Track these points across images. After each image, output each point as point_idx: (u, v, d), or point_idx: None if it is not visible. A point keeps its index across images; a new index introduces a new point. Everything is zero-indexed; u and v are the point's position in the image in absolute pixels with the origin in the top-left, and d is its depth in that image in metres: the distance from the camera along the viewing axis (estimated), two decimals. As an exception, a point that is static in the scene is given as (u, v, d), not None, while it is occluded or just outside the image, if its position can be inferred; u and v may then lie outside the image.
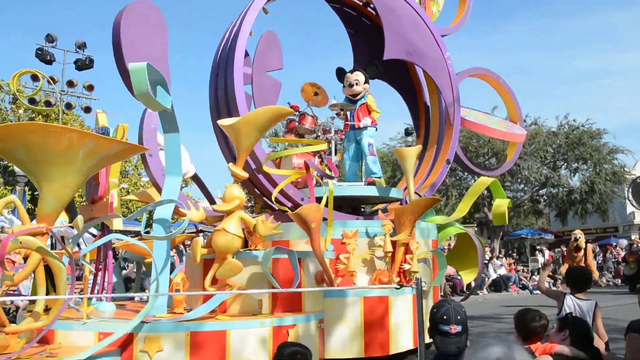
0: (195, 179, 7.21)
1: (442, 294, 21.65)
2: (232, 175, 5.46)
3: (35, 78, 19.61)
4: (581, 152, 28.87)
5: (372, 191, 6.95)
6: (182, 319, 4.80)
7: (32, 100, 19.97)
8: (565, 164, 30.23)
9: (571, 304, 4.99)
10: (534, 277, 23.80)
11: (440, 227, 7.95)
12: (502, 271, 23.10)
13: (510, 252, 29.49)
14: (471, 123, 8.79)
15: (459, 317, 2.89)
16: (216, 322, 4.82)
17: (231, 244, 5.23)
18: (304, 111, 7.38)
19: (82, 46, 20.56)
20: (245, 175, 5.49)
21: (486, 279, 22.57)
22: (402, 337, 5.97)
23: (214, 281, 5.36)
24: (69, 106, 20.78)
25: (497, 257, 25.07)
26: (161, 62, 5.89)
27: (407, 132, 29.46)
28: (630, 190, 13.01)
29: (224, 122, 5.39)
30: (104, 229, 6.04)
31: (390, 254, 6.12)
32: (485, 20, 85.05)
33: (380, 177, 7.27)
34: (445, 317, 2.88)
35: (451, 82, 8.26)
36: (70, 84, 20.65)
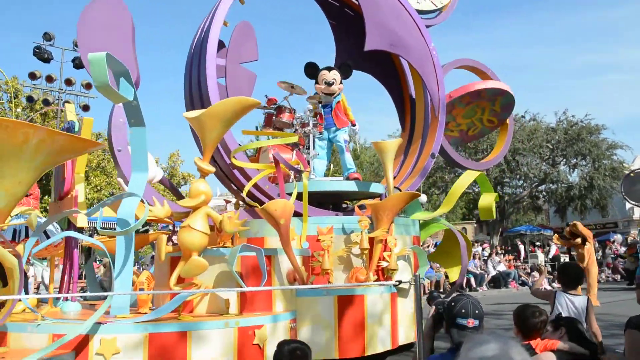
0: (164, 182, 6.92)
1: (441, 290, 21.79)
2: (198, 169, 5.17)
3: (33, 76, 19.41)
4: (580, 148, 28.44)
5: (351, 186, 6.65)
6: (140, 320, 4.52)
7: (30, 99, 19.75)
8: (564, 159, 29.81)
9: (563, 301, 4.84)
10: (533, 273, 23.51)
11: (424, 224, 7.66)
12: (502, 268, 22.86)
13: (509, 248, 29.05)
14: (455, 91, 8.46)
15: (476, 312, 2.87)
16: (177, 323, 4.53)
17: (196, 241, 4.95)
18: (281, 104, 7.09)
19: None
20: (212, 169, 5.21)
21: (485, 275, 22.43)
22: (380, 338, 5.67)
23: (180, 280, 5.08)
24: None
25: (497, 254, 24.83)
26: (125, 55, 5.65)
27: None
28: (623, 186, 12.61)
29: (188, 114, 5.10)
30: (70, 226, 5.77)
31: (366, 251, 5.82)
32: (482, 15, 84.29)
33: (351, 171, 6.99)
34: (463, 311, 2.86)
35: (436, 74, 7.95)
36: (68, 82, 20.40)
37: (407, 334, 6.21)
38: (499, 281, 21.39)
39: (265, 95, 7.15)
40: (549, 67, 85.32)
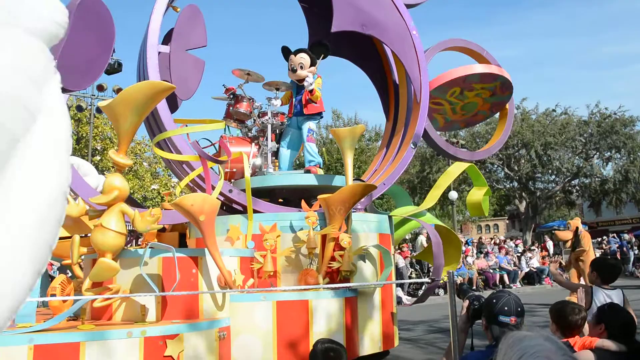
0: None
1: (474, 287, 20.68)
2: (113, 163, 4.44)
3: None
4: (614, 141, 26.51)
5: (309, 180, 5.77)
6: (28, 330, 3.80)
7: (99, 110, 19.81)
8: (598, 153, 27.89)
9: (602, 297, 4.55)
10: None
11: (405, 220, 6.70)
12: (535, 264, 21.68)
13: (542, 244, 27.38)
14: (443, 76, 7.37)
15: (519, 309, 2.75)
16: (68, 333, 3.79)
17: (109, 241, 4.22)
18: (238, 94, 6.27)
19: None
20: (128, 162, 4.45)
21: (519, 272, 21.29)
22: (329, 348, 4.77)
23: (97, 284, 4.37)
24: (99, 110, 20.39)
25: (530, 250, 23.53)
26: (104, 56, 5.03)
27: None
28: None
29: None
30: None
31: (313, 251, 4.94)
32: (503, 8, 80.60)
33: (318, 165, 6.07)
34: (506, 308, 2.73)
35: (417, 56, 6.96)
36: (100, 88, 20.23)
37: (373, 343, 5.30)
38: (532, 278, 20.57)
39: (223, 85, 6.36)
40: (577, 59, 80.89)
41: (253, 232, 5.11)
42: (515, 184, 29.48)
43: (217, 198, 5.95)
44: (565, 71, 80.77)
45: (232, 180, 6.27)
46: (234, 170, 6.16)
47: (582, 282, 8.58)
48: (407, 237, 28.98)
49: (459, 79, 7.36)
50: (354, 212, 5.63)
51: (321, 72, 6.36)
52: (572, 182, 29.27)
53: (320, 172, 6.07)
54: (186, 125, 5.73)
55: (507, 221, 33.54)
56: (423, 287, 19.55)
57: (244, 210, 5.63)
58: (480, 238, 27.75)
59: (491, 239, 26.73)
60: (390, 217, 5.87)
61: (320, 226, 5.12)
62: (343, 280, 5.06)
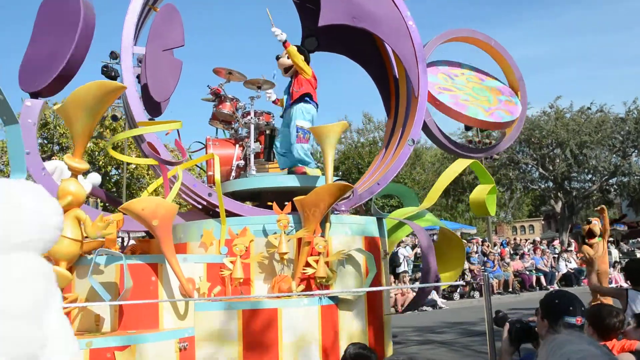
0: (98, 194, 5.97)
1: (510, 289, 19.75)
2: (68, 168, 4.12)
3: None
4: (653, 138, 24.92)
5: (296, 181, 5.30)
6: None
7: (115, 117, 19.91)
8: (636, 150, 26.26)
9: (638, 300, 4.38)
10: (609, 269, 21.00)
11: (400, 223, 6.13)
12: (573, 265, 20.64)
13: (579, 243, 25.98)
14: (445, 107, 6.78)
15: (583, 309, 2.62)
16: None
17: (63, 249, 3.90)
18: (222, 95, 5.88)
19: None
20: (83, 167, 4.12)
21: (556, 273, 20.35)
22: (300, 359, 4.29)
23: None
24: (115, 118, 20.47)
25: (567, 250, 22.42)
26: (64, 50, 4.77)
27: (467, 127, 26.95)
28: None
29: (57, 106, 4.11)
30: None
31: (284, 256, 4.48)
32: (534, 3, 77.28)
33: (310, 165, 5.55)
34: (571, 309, 2.59)
35: (414, 49, 6.40)
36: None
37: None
38: (570, 279, 19.72)
39: (208, 86, 5.98)
40: (611, 55, 76.88)
41: (227, 237, 4.69)
42: (551, 184, 28.11)
43: (196, 203, 5.60)
44: (600, 68, 77.09)
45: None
46: (219, 172, 5.77)
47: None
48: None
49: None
50: (336, 214, 5.14)
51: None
52: (610, 181, 27.71)
53: (316, 172, 5.55)
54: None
55: (543, 222, 31.96)
56: (458, 290, 18.85)
57: (227, 215, 5.24)
58: (516, 239, 26.60)
59: (526, 240, 25.56)
60: (379, 219, 5.33)
61: (296, 230, 4.65)
62: (321, 287, 4.57)
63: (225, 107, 5.79)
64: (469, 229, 26.93)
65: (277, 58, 5.73)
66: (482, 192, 6.32)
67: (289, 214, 4.64)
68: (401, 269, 15.94)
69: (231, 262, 4.47)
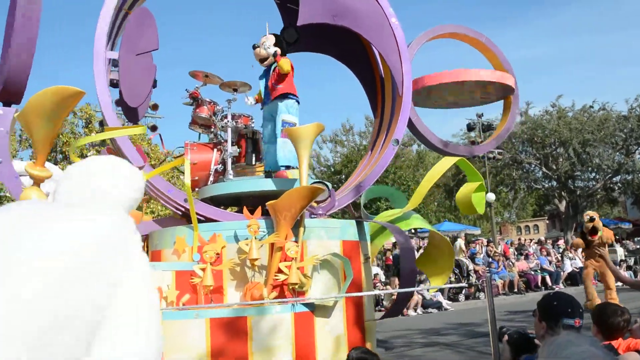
0: None
1: (515, 290, 19.44)
2: (30, 177, 3.94)
3: (117, 103, 19.33)
4: (656, 135, 24.48)
5: (268, 185, 5.09)
6: None
7: (102, 124, 19.72)
8: (639, 148, 25.81)
9: None
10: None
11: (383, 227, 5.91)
12: (578, 264, 20.28)
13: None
14: (434, 76, 6.47)
15: (580, 311, 2.62)
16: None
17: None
18: (200, 98, 5.70)
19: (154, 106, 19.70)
20: (46, 174, 3.93)
21: (561, 272, 20.02)
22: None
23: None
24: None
25: (572, 249, 22.07)
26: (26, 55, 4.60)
27: (470, 127, 26.63)
28: None
29: (17, 114, 3.95)
30: None
31: (255, 262, 4.27)
32: (534, 4, 76.50)
33: (292, 167, 5.32)
34: (569, 310, 2.58)
35: (398, 46, 6.18)
36: (155, 106, 20.02)
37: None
38: (575, 278, 19.03)
39: (186, 90, 5.80)
40: (612, 54, 75.82)
41: (199, 244, 4.49)
42: (554, 183, 27.71)
43: (175, 209, 5.41)
44: (602, 67, 76.18)
45: (197, 189, 5.70)
46: (196, 178, 5.58)
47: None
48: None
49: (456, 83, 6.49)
50: (313, 217, 4.93)
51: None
52: (614, 179, 27.27)
53: (296, 174, 5.31)
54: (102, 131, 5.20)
55: (547, 221, 31.50)
56: (463, 292, 18.52)
57: (205, 220, 5.05)
58: (520, 239, 26.24)
59: (531, 240, 25.19)
60: (359, 223, 5.11)
61: (269, 235, 4.44)
62: (295, 293, 4.36)
63: (203, 110, 5.61)
64: (473, 230, 26.60)
65: (254, 47, 5.47)
66: (469, 189, 6.09)
67: (259, 218, 4.44)
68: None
69: (201, 269, 4.28)
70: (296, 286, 4.26)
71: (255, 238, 4.26)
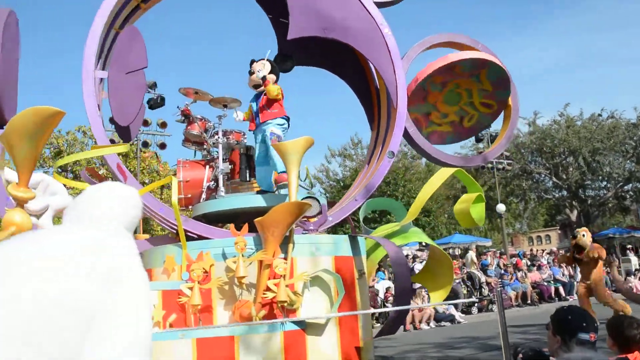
0: None
1: (529, 302, 19.03)
2: (13, 198, 3.85)
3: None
4: (667, 142, 24.00)
5: (261, 201, 4.96)
6: None
7: (111, 142, 19.67)
8: (650, 155, 25.35)
9: None
10: (628, 278, 20.20)
11: (388, 237, 5.76)
12: None
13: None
14: (421, 72, 6.32)
15: (595, 325, 2.58)
16: None
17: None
18: (191, 116, 5.63)
19: (153, 86, 19.59)
20: (29, 195, 3.83)
21: (575, 283, 19.57)
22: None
23: None
24: (145, 144, 20.34)
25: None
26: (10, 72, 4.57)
27: (477, 139, 26.37)
28: None
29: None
30: None
31: (242, 280, 4.12)
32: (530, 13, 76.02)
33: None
34: (584, 325, 2.54)
35: (391, 58, 6.07)
36: (145, 122, 19.94)
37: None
38: (590, 289, 18.99)
39: (178, 107, 5.74)
40: (619, 59, 74.86)
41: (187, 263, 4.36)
42: (565, 192, 27.26)
43: (170, 228, 5.31)
44: (606, 74, 75.25)
45: (190, 207, 5.60)
46: (189, 195, 5.48)
47: None
48: (457, 253, 27.36)
49: (441, 70, 6.33)
50: (304, 233, 4.79)
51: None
52: (625, 187, 26.75)
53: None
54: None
55: (559, 231, 30.94)
56: (476, 304, 18.16)
57: (198, 238, 4.94)
58: (532, 250, 25.77)
59: (543, 250, 24.72)
60: (352, 237, 4.95)
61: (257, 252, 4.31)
62: (285, 311, 4.21)
63: (194, 128, 5.54)
64: (484, 242, 26.21)
65: (250, 73, 5.44)
66: (467, 201, 5.89)
67: (247, 235, 4.31)
68: (418, 284, 15.49)
69: (189, 288, 4.14)
70: (285, 304, 4.10)
71: (243, 255, 4.13)
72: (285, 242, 4.33)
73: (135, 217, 1.34)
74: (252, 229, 4.57)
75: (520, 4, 73.26)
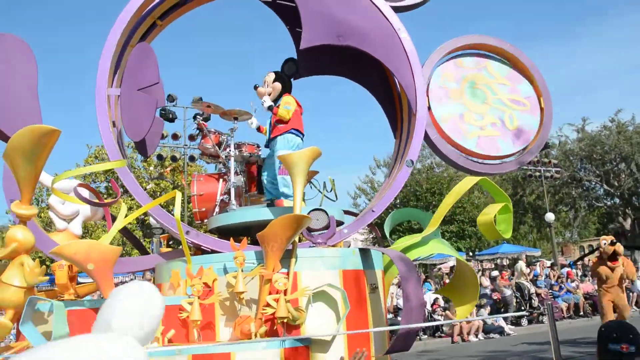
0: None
1: (581, 313, 17.92)
2: (16, 216, 3.83)
3: (161, 136, 19.71)
4: None
5: (270, 214, 4.74)
6: None
7: (159, 157, 20.05)
8: None
9: None
10: None
11: (411, 247, 5.42)
12: None
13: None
14: (445, 138, 5.90)
15: (631, 336, 2.40)
16: None
17: (7, 297, 3.61)
18: (205, 129, 5.53)
19: (172, 99, 19.77)
20: (31, 212, 3.82)
21: (632, 293, 18.30)
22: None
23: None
24: (192, 158, 20.62)
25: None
26: (30, 99, 4.63)
27: (545, 145, 25.25)
28: None
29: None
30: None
31: (241, 295, 3.90)
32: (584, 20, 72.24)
33: (289, 198, 5.03)
34: (614, 335, 2.43)
35: (409, 62, 5.73)
36: (191, 137, 20.24)
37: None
38: None
39: (193, 119, 5.64)
40: None
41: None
42: (617, 200, 25.63)
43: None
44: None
45: (205, 220, 5.46)
46: (204, 209, 5.35)
47: None
48: (505, 263, 26.17)
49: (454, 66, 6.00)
50: (312, 247, 4.53)
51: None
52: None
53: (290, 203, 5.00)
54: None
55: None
56: (526, 317, 17.23)
57: (210, 252, 4.79)
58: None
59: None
60: (363, 250, 4.63)
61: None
62: (288, 327, 3.95)
63: (208, 141, 5.43)
64: (533, 252, 24.97)
65: (255, 88, 5.36)
66: (491, 211, 5.46)
67: (247, 250, 4.09)
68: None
69: (189, 303, 3.96)
70: (286, 320, 3.85)
71: (242, 270, 3.91)
72: (288, 256, 4.08)
73: (151, 326, 1.43)
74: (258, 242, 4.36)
75: (573, 7, 70.59)
